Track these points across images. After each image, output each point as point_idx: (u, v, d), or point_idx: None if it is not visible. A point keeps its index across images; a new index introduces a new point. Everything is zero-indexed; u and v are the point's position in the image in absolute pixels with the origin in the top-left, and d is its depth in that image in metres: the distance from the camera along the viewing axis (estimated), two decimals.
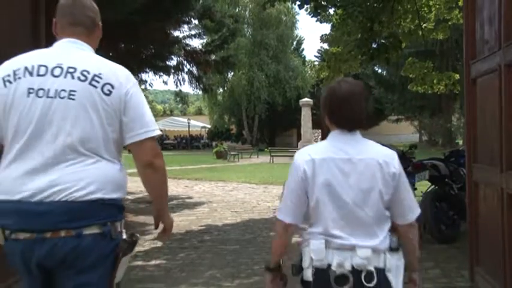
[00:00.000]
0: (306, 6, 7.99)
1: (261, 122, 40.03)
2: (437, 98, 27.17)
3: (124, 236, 1.83)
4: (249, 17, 38.80)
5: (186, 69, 10.16)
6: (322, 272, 1.78)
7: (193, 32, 9.94)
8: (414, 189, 6.75)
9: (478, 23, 3.85)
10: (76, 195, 1.66)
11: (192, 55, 9.80)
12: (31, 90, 1.72)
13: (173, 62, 9.78)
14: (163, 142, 37.93)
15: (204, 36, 10.63)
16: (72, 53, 1.82)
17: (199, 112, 54.74)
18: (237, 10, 35.21)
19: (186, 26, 9.46)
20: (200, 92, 14.01)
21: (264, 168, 17.91)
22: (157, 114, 61.73)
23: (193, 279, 4.38)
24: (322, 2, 7.71)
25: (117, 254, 1.77)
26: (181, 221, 7.17)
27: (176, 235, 6.20)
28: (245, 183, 12.96)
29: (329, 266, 1.78)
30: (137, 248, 5.64)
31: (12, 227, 1.68)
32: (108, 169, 1.76)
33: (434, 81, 10.59)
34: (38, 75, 1.74)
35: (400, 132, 40.51)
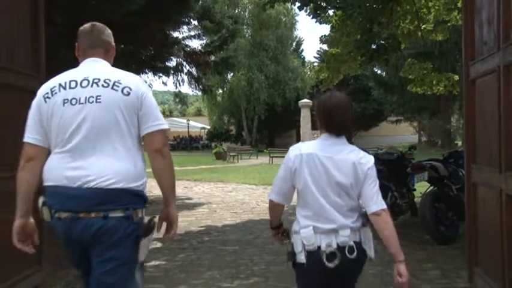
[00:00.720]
0: (305, 7, 8.00)
1: (261, 123, 40.04)
2: (436, 99, 27.14)
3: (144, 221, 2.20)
4: (248, 18, 38.81)
5: (185, 70, 10.16)
6: (313, 254, 2.16)
7: (192, 33, 9.92)
8: (413, 190, 6.78)
9: (476, 24, 3.86)
10: (103, 184, 2.05)
11: (191, 56, 9.78)
12: (66, 101, 2.15)
13: (172, 63, 9.77)
14: None
15: (204, 37, 10.60)
16: (95, 67, 2.26)
17: (198, 113, 54.74)
18: (236, 11, 35.18)
19: (185, 27, 9.45)
20: (199, 93, 14.00)
21: (263, 169, 17.91)
22: None
23: (192, 280, 4.38)
24: (322, 4, 7.72)
25: (138, 236, 2.14)
26: (180, 222, 7.12)
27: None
28: (244, 184, 12.96)
29: (319, 247, 2.15)
30: None
31: (55, 207, 2.11)
32: (130, 162, 2.14)
33: (434, 82, 10.59)
34: (70, 88, 2.18)
35: (399, 133, 40.53)
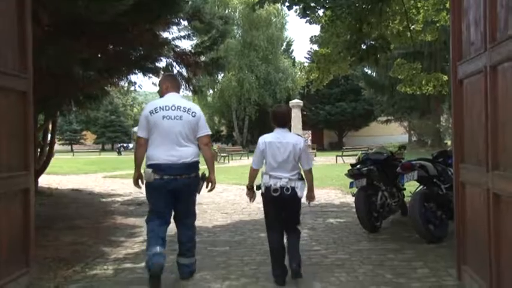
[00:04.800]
0: (295, 7, 7.99)
1: (251, 124, 40.05)
2: (426, 99, 27.33)
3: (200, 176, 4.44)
4: (238, 19, 38.82)
5: (175, 71, 10.05)
6: (268, 188, 4.20)
7: (182, 34, 9.83)
8: (403, 189, 6.81)
9: (464, 24, 3.89)
10: (187, 160, 4.18)
11: (181, 57, 9.70)
12: (163, 117, 4.16)
13: (162, 63, 9.65)
14: None
15: (194, 38, 10.51)
16: (177, 99, 4.35)
17: None
18: (226, 11, 35.20)
19: (175, 28, 9.35)
20: (190, 94, 13.89)
21: None
22: None
23: (183, 281, 4.36)
24: (311, 4, 7.72)
25: (199, 185, 4.42)
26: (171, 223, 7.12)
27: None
28: (235, 185, 12.95)
29: (270, 185, 4.17)
30: (126, 251, 5.57)
31: (162, 173, 4.11)
32: (195, 149, 4.30)
33: (423, 82, 10.66)
34: (165, 109, 4.19)
35: (389, 133, 40.72)
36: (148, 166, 4.16)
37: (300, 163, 4.23)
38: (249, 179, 4.44)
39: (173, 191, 4.17)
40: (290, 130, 4.26)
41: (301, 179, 4.20)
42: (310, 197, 4.44)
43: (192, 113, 4.24)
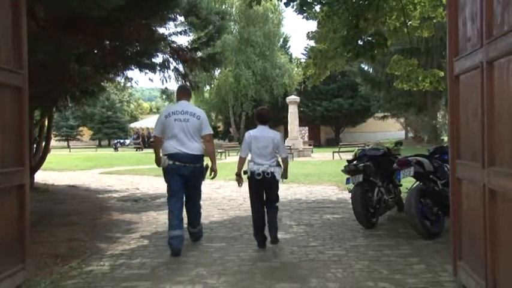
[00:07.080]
0: (291, 3, 7.98)
1: (248, 120, 39.95)
2: (423, 95, 27.36)
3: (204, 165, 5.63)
4: (235, 14, 38.65)
5: (172, 67, 10.01)
6: (252, 173, 5.33)
7: (179, 29, 9.81)
8: (399, 185, 6.83)
9: (460, 20, 3.88)
10: (193, 153, 5.34)
11: (178, 52, 9.66)
12: (175, 119, 5.36)
13: (159, 59, 9.61)
14: (149, 140, 37.68)
15: (190, 34, 10.50)
16: (186, 105, 5.54)
17: None
18: (223, 7, 35.06)
19: (171, 23, 9.32)
20: None
21: None
22: (143, 112, 61.23)
23: (179, 277, 4.36)
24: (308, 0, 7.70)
25: (203, 173, 5.59)
26: (167, 220, 7.10)
27: (162, 233, 6.17)
28: (232, 181, 12.91)
29: (254, 171, 5.31)
30: (123, 246, 5.59)
31: (174, 159, 5.31)
32: (200, 145, 5.45)
33: (420, 79, 10.62)
34: (176, 114, 5.39)
35: (386, 129, 40.76)
36: (164, 155, 5.37)
37: (278, 152, 5.41)
38: (238, 166, 5.50)
39: (182, 175, 5.32)
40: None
41: (278, 165, 5.35)
42: (284, 175, 5.53)
43: (197, 116, 5.43)
